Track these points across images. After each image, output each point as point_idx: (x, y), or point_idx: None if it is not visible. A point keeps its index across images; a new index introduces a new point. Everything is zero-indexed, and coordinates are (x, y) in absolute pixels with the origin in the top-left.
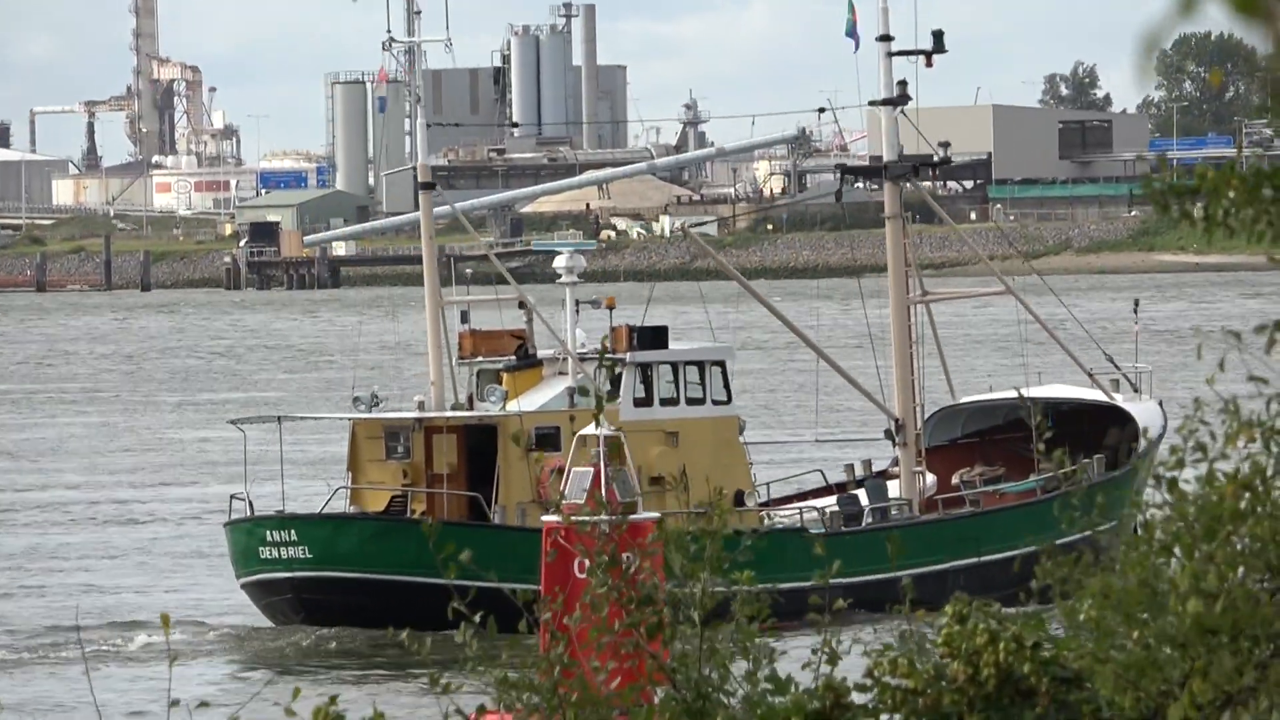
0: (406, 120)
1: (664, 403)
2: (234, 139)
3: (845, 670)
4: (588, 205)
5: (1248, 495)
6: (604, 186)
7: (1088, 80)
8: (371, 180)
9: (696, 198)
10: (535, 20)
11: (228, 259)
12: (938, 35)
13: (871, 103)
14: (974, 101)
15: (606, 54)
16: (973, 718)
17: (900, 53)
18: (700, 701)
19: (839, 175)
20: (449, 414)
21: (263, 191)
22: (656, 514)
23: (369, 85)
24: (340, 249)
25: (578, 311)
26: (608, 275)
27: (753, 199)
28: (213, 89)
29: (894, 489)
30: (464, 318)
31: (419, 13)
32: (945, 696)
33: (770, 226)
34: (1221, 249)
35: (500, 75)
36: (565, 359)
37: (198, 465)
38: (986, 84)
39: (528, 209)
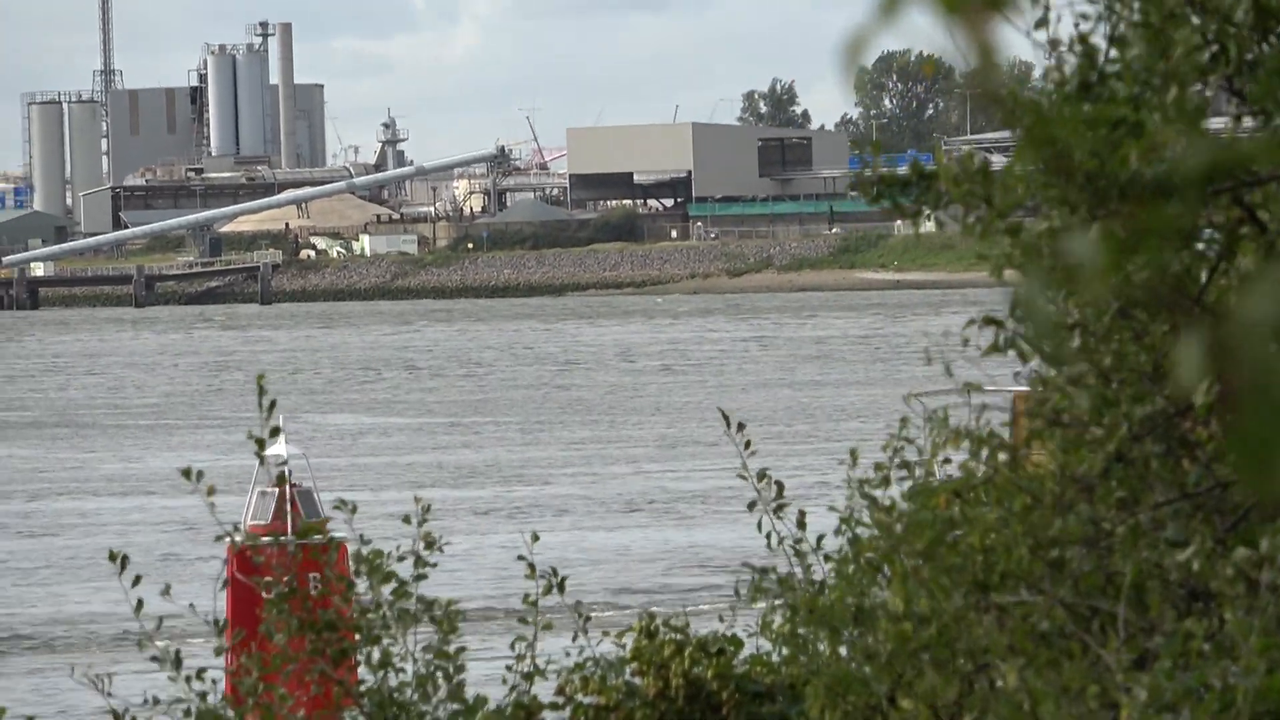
0: (103, 140)
1: None
2: None
3: (540, 687)
4: (287, 225)
5: (959, 504)
6: (303, 206)
7: (786, 98)
8: (69, 201)
9: (396, 216)
10: (232, 39)
11: None
12: None
13: None
14: (673, 120)
15: (311, 73)
16: None
17: None
18: None
19: None
20: None
21: None
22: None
23: (65, 105)
24: (38, 270)
25: None
26: (307, 295)
27: (452, 217)
28: None
29: None
30: None
31: None
32: (637, 712)
33: (470, 245)
34: (922, 266)
35: (197, 95)
36: None
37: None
38: (685, 102)
39: (227, 228)
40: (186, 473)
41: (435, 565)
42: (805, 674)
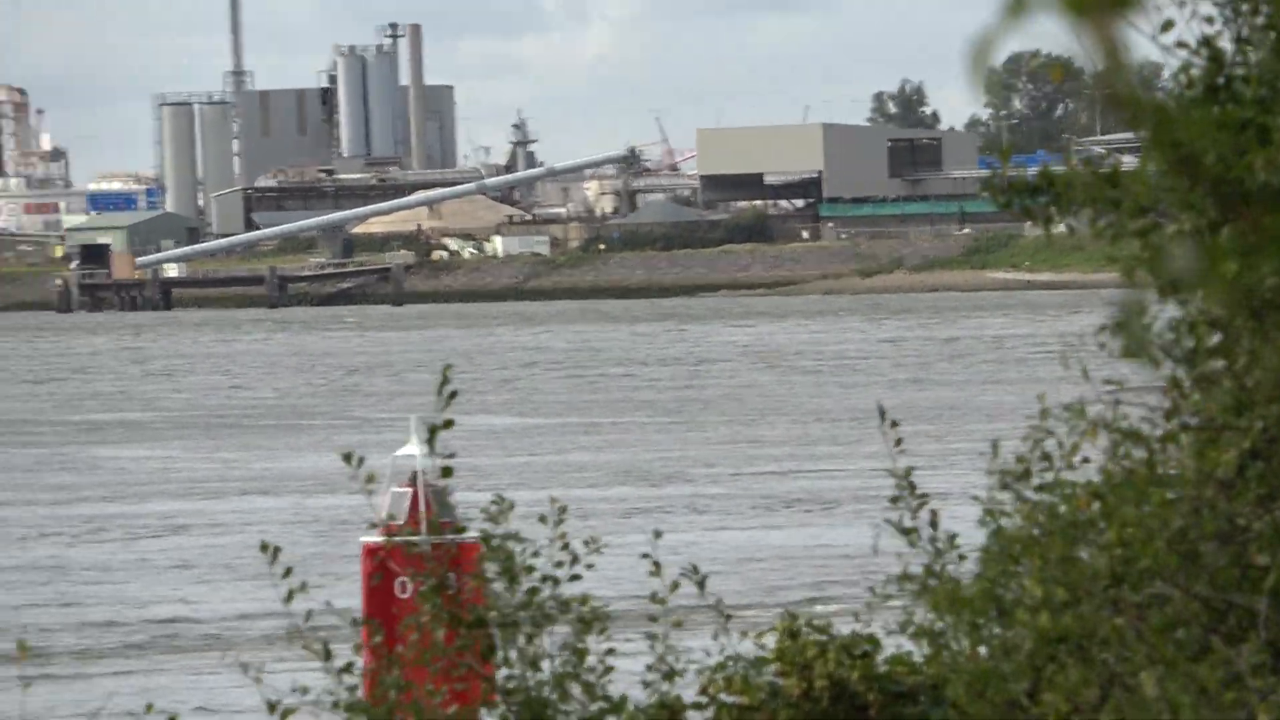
0: (234, 141)
1: None
2: (63, 161)
3: (680, 686)
4: (418, 226)
5: (1099, 504)
6: (435, 207)
7: (915, 98)
8: (201, 201)
9: (528, 217)
10: (362, 40)
11: (59, 281)
12: None
13: None
14: (803, 120)
15: (442, 73)
16: None
17: None
18: None
19: None
20: None
21: (93, 213)
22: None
23: (196, 107)
24: (171, 271)
25: None
26: (439, 296)
27: (584, 218)
28: (40, 111)
29: None
30: None
31: None
32: (781, 713)
33: (602, 246)
34: (1053, 266)
35: (327, 96)
36: None
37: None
38: (814, 102)
39: (358, 230)
40: (348, 457)
41: (592, 567)
42: (946, 672)
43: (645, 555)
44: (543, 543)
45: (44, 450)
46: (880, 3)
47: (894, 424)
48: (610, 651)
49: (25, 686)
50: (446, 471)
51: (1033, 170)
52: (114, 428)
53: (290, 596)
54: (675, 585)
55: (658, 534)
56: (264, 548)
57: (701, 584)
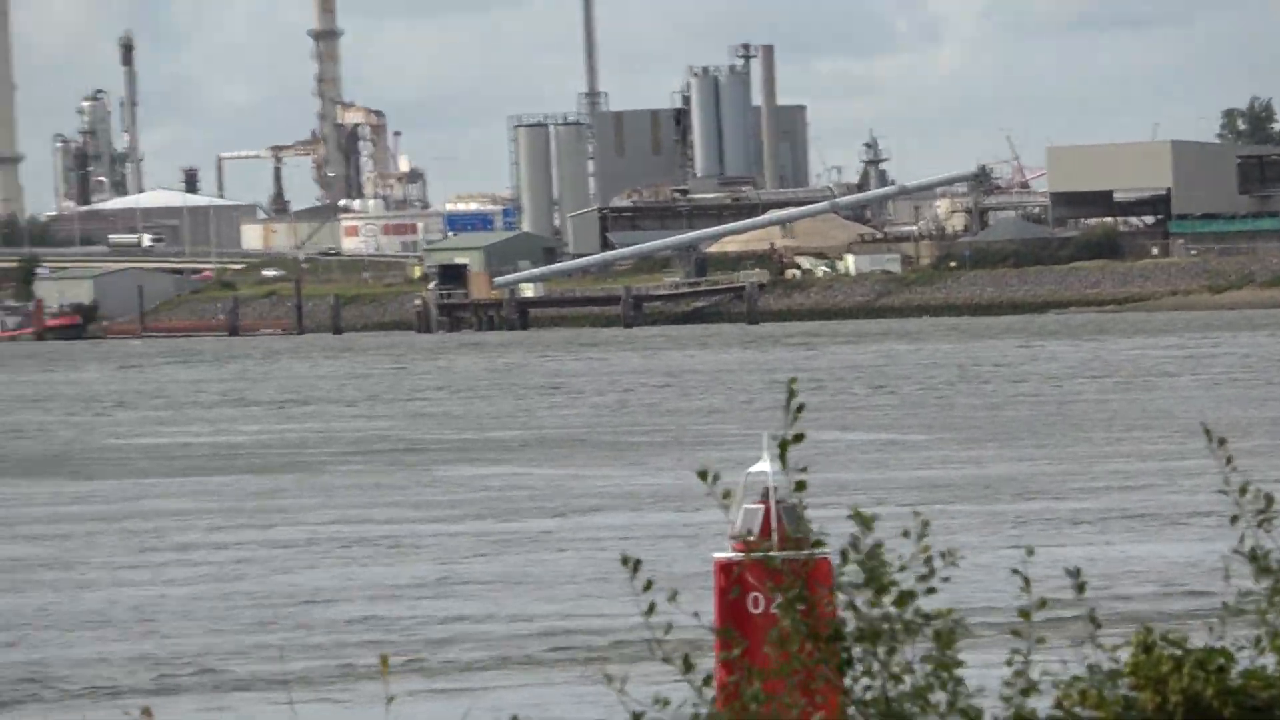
0: (589, 162)
1: None
2: (420, 182)
3: (1035, 700)
4: (771, 245)
5: None
6: (787, 226)
7: (1264, 115)
8: (557, 221)
9: (879, 235)
10: (714, 61)
11: (418, 302)
12: None
13: None
14: (1152, 137)
15: (793, 93)
16: None
17: None
18: None
19: None
20: None
21: (450, 234)
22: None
23: (551, 128)
24: (528, 290)
25: None
26: (792, 314)
27: (935, 236)
28: (397, 133)
29: None
30: None
31: None
32: None
33: (954, 264)
34: None
35: (681, 116)
36: None
37: None
38: (1164, 120)
39: (712, 249)
40: (703, 474)
41: (948, 580)
42: None
43: (1015, 571)
44: (905, 556)
45: (420, 470)
46: (1231, 19)
47: (1222, 441)
48: (960, 662)
49: (389, 702)
50: (800, 486)
51: None
52: (482, 447)
53: (651, 609)
54: (1043, 603)
55: (1030, 551)
56: (624, 561)
57: (1081, 588)
